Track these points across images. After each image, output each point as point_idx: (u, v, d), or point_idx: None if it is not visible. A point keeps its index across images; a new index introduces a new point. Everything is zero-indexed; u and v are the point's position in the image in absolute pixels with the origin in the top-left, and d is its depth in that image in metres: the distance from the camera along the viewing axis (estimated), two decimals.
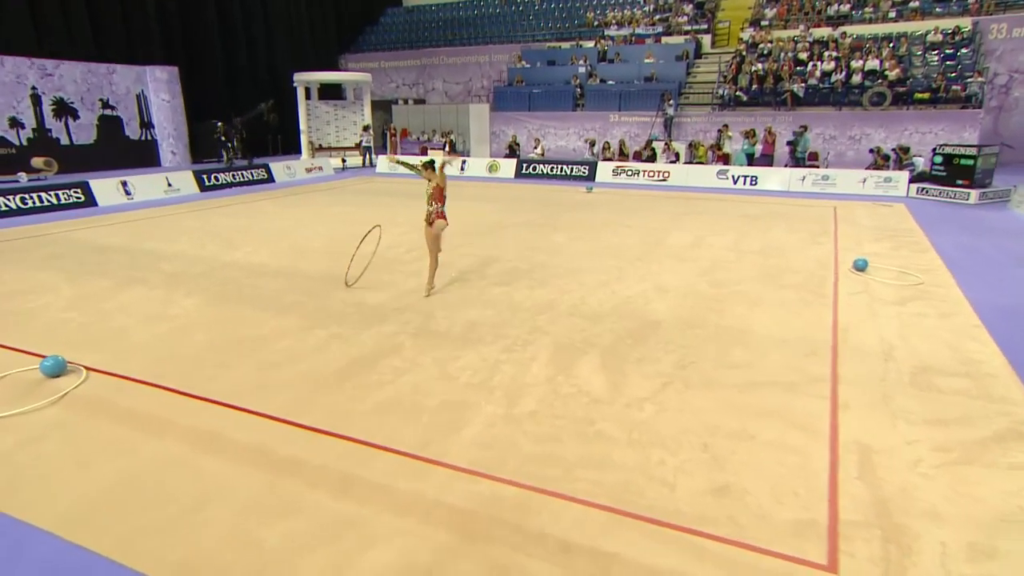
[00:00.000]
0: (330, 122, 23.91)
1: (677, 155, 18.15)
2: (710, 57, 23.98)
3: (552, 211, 11.95)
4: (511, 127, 24.49)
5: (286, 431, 4.05)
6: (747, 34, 22.95)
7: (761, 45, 21.86)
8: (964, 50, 18.54)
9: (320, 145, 23.35)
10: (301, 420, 4.19)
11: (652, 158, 18.36)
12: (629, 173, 17.75)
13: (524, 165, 19.21)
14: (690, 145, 17.74)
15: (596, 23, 27.87)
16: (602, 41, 25.93)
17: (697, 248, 8.80)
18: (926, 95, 17.11)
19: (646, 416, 4.20)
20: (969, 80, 16.57)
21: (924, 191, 13.65)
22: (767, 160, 16.90)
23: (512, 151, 20.76)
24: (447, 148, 22.28)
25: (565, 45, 27.30)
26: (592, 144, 19.28)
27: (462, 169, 20.05)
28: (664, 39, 24.92)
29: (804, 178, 15.43)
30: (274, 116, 19.67)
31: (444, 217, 6.23)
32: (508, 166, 19.37)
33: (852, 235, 9.39)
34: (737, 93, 20.23)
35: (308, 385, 4.71)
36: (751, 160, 16.99)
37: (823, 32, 21.32)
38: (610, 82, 23.10)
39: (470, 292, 6.93)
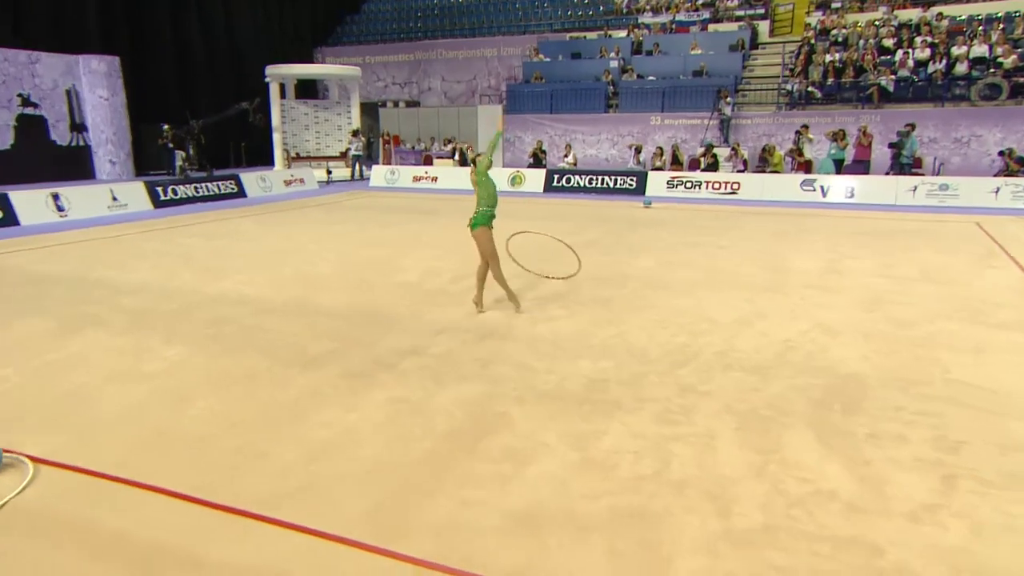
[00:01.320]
0: (309, 126, 23.08)
1: (745, 162, 17.41)
2: (769, 47, 23.63)
3: (615, 229, 11.11)
4: (530, 132, 23.83)
5: (376, 567, 2.87)
6: (814, 19, 22.64)
7: (834, 32, 21.48)
8: None
9: (297, 154, 22.43)
10: (398, 547, 3.01)
11: (714, 166, 17.63)
12: (688, 185, 17.01)
13: (555, 177, 18.40)
14: (763, 150, 17.00)
15: (626, 9, 27.64)
16: (636, 30, 25.58)
17: (837, 275, 7.93)
18: None
19: (958, 539, 3.08)
20: None
21: None
22: (862, 167, 16.19)
23: (537, 160, 19.97)
24: (457, 157, 21.48)
25: (591, 35, 26.96)
26: (638, 151, 18.53)
27: None
28: (712, 27, 24.62)
29: (915, 188, 14.68)
30: (261, 117, 18.73)
31: (478, 225, 6.04)
32: (535, 178, 18.60)
33: None
34: (809, 88, 19.68)
35: (390, 485, 3.54)
36: (840, 167, 16.26)
37: (911, 14, 21.00)
38: (650, 78, 22.61)
39: (565, 331, 5.87)
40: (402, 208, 14.65)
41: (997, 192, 13.87)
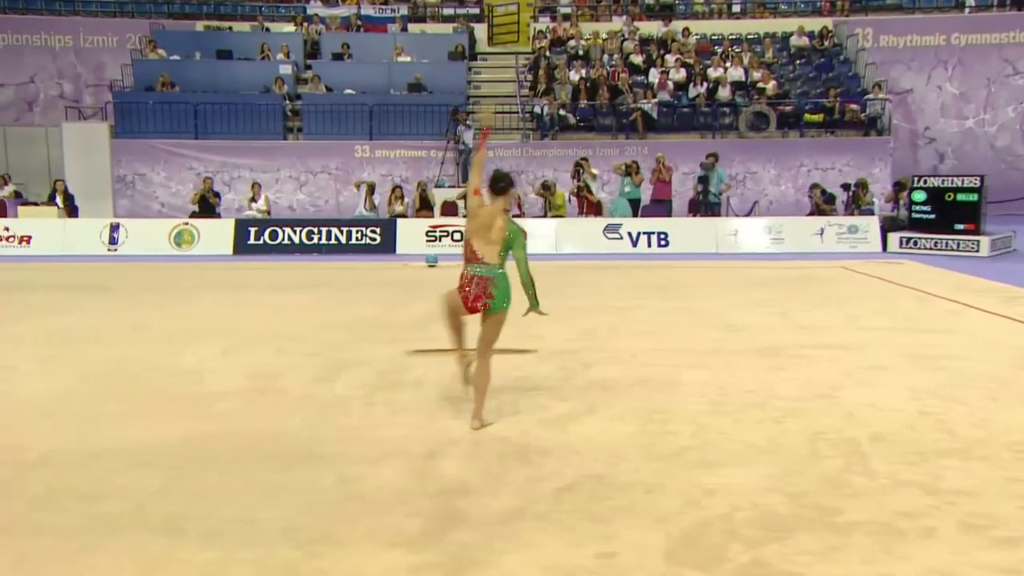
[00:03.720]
0: None
1: (520, 204, 17.61)
2: (493, 58, 24.95)
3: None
4: (163, 167, 20.97)
5: None
6: (542, 26, 24.55)
7: (572, 43, 23.50)
8: (839, 58, 22.88)
9: None
10: None
11: None
12: (457, 237, 16.43)
13: (249, 232, 16.23)
14: (544, 187, 17.36)
15: None
16: (308, 26, 24.77)
17: (813, 333, 8.06)
18: (819, 117, 20.30)
19: None
20: (869, 99, 20.25)
21: (911, 243, 15.58)
22: (663, 207, 17.51)
23: (207, 207, 17.42)
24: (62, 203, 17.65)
25: (240, 26, 25.31)
26: (371, 190, 17.43)
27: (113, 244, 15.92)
28: (415, 27, 25.10)
29: (736, 232, 16.30)
30: None
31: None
32: (216, 234, 16.18)
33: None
34: (561, 112, 21.04)
35: None
36: (637, 208, 17.39)
37: (651, 28, 24.08)
38: (347, 91, 21.89)
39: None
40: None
41: (822, 233, 16.12)
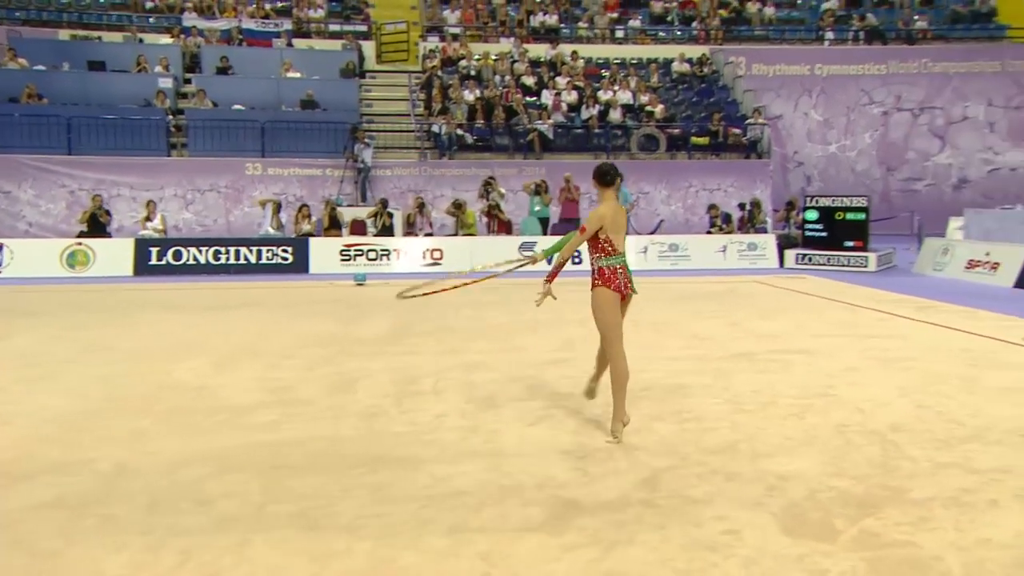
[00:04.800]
0: None
1: (429, 224, 17.94)
2: (382, 76, 25.16)
3: (406, 322, 10.38)
4: (31, 183, 19.92)
5: None
6: (431, 44, 25.01)
7: (463, 63, 24.08)
8: (717, 84, 24.52)
9: None
10: None
11: (389, 229, 17.65)
12: (372, 255, 16.61)
13: (150, 252, 15.77)
14: (456, 206, 17.76)
15: (156, 3, 25.93)
16: (185, 38, 24.21)
17: (773, 340, 8.87)
18: (704, 140, 21.73)
19: None
20: (750, 123, 21.87)
21: (806, 259, 16.98)
22: (572, 225, 18.19)
23: (97, 226, 16.76)
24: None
25: (113, 37, 24.40)
26: (278, 209, 17.29)
27: None
28: (300, 43, 24.97)
29: (647, 249, 17.26)
30: None
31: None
32: (113, 254, 15.63)
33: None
34: (458, 132, 21.55)
35: None
36: (546, 226, 18.07)
37: (540, 50, 25.01)
38: (236, 107, 21.54)
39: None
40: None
41: (724, 250, 17.31)
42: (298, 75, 22.81)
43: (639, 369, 7.56)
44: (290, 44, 24.62)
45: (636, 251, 17.50)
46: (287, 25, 25.41)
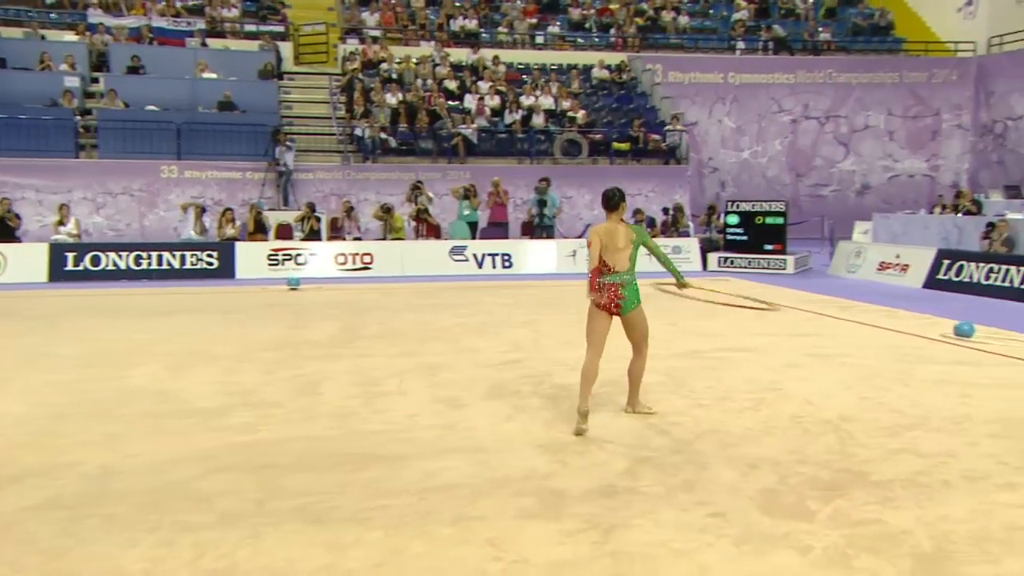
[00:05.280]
0: None
1: (358, 229, 17.97)
2: (301, 79, 24.98)
3: (351, 326, 10.50)
4: None
5: None
6: (351, 46, 24.97)
7: (384, 65, 24.13)
8: (636, 91, 25.20)
9: None
10: None
11: (316, 234, 17.63)
12: (301, 259, 16.57)
13: (66, 257, 15.36)
14: (384, 210, 17.83)
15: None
16: (91, 36, 23.56)
17: (715, 339, 9.30)
18: (625, 145, 22.34)
19: None
20: (669, 130, 22.58)
21: (728, 262, 17.67)
22: (501, 229, 18.56)
23: (6, 229, 16.22)
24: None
25: (11, 32, 23.54)
26: (201, 213, 17.05)
27: None
28: (215, 42, 24.57)
29: (575, 253, 17.67)
30: None
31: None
32: (26, 260, 15.18)
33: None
34: (381, 135, 21.61)
35: None
36: (475, 230, 18.33)
37: (461, 54, 25.24)
38: (149, 107, 21.10)
39: None
40: None
41: (649, 254, 17.79)
42: (214, 76, 22.44)
43: (601, 368, 7.89)
44: (204, 44, 24.17)
45: (565, 255, 17.92)
46: (200, 24, 24.95)
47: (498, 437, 5.83)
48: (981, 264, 14.30)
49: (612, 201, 6.15)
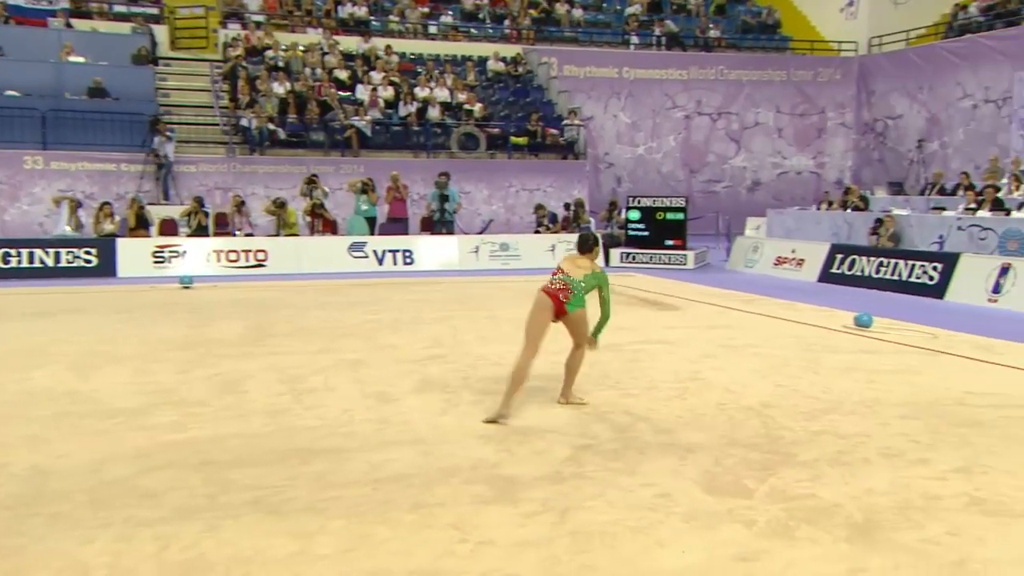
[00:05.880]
0: None
1: (250, 224, 17.82)
2: (178, 64, 24.43)
3: (257, 324, 10.57)
4: None
5: None
6: (233, 32, 24.58)
7: (270, 53, 23.85)
8: (532, 84, 25.70)
9: None
10: None
11: (204, 229, 17.39)
12: (191, 256, 16.35)
13: None
14: (277, 204, 17.72)
15: None
16: None
17: (631, 332, 9.70)
18: (523, 140, 22.83)
19: None
20: (567, 124, 23.18)
21: (630, 257, 18.34)
22: (400, 225, 18.71)
23: None
24: None
25: None
26: (75, 208, 16.55)
27: None
28: (81, 23, 23.78)
29: (477, 249, 18.00)
30: None
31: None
32: None
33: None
34: (269, 126, 21.42)
35: None
36: (373, 226, 18.43)
37: (351, 43, 25.19)
38: (9, 92, 20.31)
39: None
40: None
41: (553, 249, 18.33)
42: (82, 60, 21.75)
43: None
44: (69, 25, 23.34)
45: (467, 251, 18.22)
46: (63, 3, 24.03)
47: (437, 429, 6.08)
48: (872, 258, 15.35)
49: (586, 244, 6.73)
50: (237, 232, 17.71)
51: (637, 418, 6.41)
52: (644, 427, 6.19)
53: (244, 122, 21.30)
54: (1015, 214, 14.65)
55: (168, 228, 17.50)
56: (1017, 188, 16.18)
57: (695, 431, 6.09)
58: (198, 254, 16.68)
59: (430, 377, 7.69)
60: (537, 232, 19.48)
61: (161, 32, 24.70)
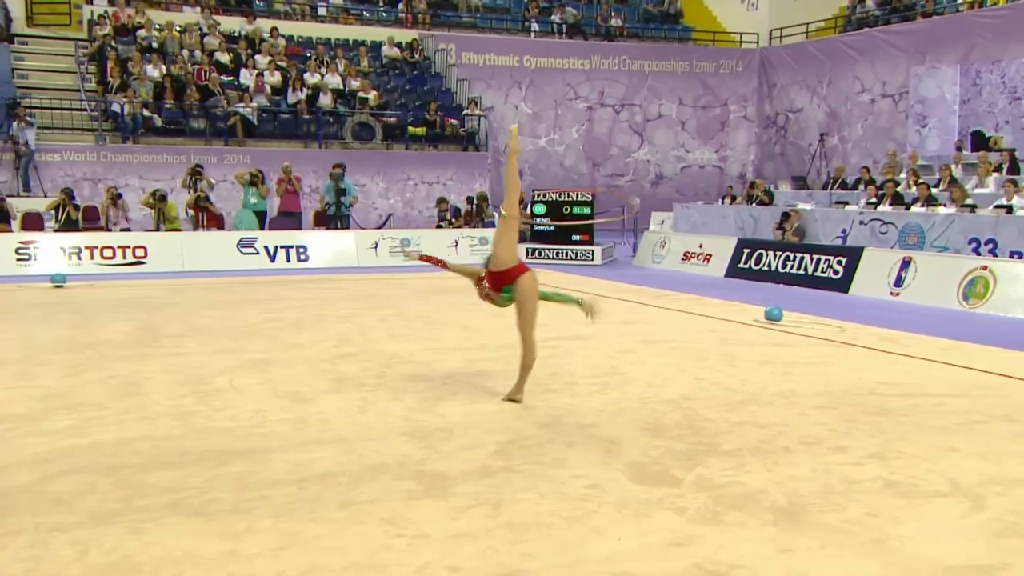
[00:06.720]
0: None
1: (127, 219, 17.47)
2: (36, 42, 23.67)
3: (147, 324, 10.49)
4: None
5: None
6: (100, 8, 23.91)
7: (142, 32, 23.31)
8: (430, 72, 25.82)
9: None
10: None
11: (74, 224, 16.97)
12: (60, 253, 15.94)
13: None
14: (157, 197, 17.41)
15: None
16: None
17: (545, 329, 10.01)
18: (421, 130, 22.98)
19: None
20: (467, 115, 23.42)
21: (536, 253, 18.69)
22: (293, 220, 18.60)
23: None
24: None
25: None
26: None
27: None
28: None
29: (376, 245, 18.06)
30: None
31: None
32: None
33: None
34: (144, 112, 21.00)
35: None
36: (264, 221, 18.30)
37: (234, 24, 24.84)
38: None
39: None
40: None
41: (456, 245, 18.55)
42: None
43: (437, 360, 8.47)
44: None
45: (367, 247, 18.24)
46: None
47: (358, 427, 6.22)
48: (778, 252, 16.10)
49: None
50: (112, 227, 17.30)
51: (560, 413, 6.69)
52: (567, 422, 6.46)
53: (115, 107, 20.77)
54: (914, 208, 15.62)
55: (32, 222, 16.98)
56: (915, 183, 17.16)
57: (619, 424, 6.39)
58: (68, 251, 16.22)
59: (344, 376, 7.81)
60: (439, 227, 19.66)
61: (17, 5, 23.82)
